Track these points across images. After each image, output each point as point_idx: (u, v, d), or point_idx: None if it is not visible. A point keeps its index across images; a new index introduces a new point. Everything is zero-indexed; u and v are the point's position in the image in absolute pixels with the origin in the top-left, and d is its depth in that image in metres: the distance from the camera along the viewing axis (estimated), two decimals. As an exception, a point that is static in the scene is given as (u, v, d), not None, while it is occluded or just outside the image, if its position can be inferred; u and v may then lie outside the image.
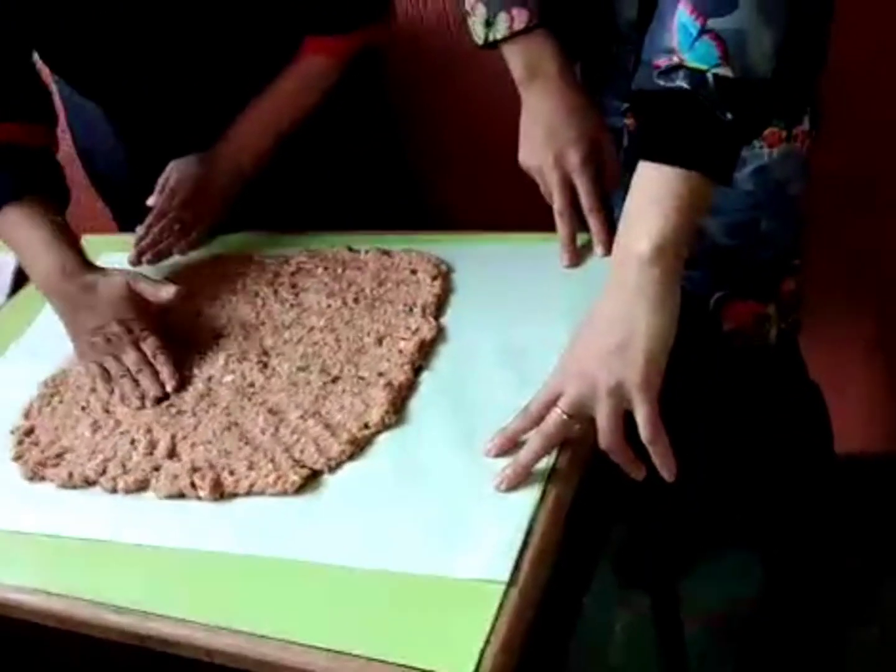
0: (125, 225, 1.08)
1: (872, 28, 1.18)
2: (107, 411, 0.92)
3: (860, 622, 1.34)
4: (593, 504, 0.80)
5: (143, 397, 0.91)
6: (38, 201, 1.03)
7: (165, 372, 0.92)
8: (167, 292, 0.96)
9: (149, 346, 0.94)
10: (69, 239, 1.03)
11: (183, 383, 0.92)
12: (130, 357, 0.94)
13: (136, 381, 0.93)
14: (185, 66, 1.09)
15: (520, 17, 0.93)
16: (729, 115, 0.71)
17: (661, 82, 0.72)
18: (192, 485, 0.80)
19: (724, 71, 0.70)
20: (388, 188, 1.28)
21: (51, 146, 1.11)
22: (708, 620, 1.36)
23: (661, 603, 1.12)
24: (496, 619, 0.62)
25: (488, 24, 0.95)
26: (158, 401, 0.91)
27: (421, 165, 1.39)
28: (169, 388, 0.91)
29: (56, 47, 1.08)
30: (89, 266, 1.01)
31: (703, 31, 0.70)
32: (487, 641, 0.61)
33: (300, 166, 1.17)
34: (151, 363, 0.93)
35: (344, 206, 1.20)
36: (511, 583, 0.64)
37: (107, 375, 0.95)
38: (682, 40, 0.71)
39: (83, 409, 0.93)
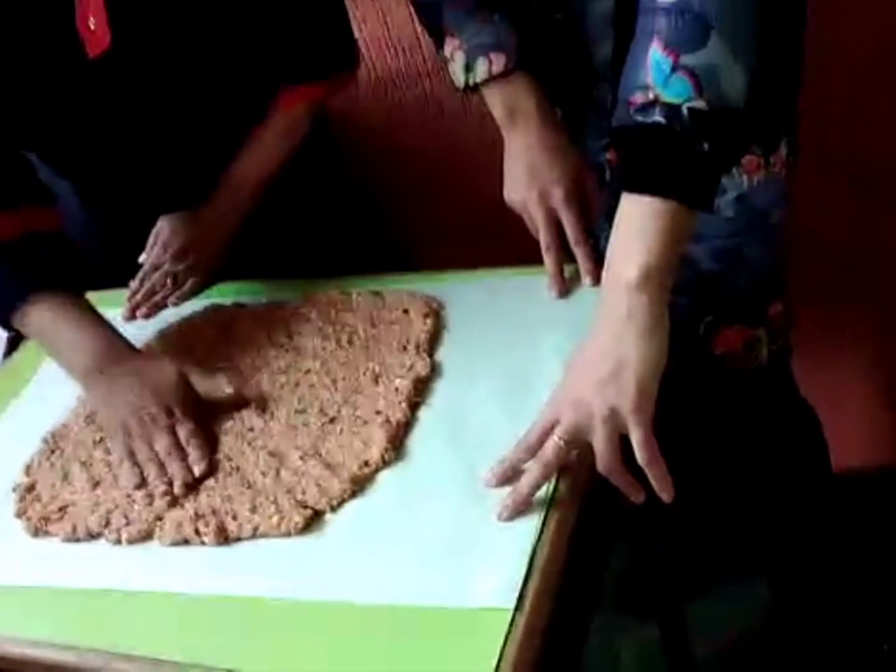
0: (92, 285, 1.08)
1: (872, 27, 1.19)
2: (107, 465, 0.92)
3: (867, 639, 1.34)
4: (595, 529, 0.81)
5: (170, 483, 0.86)
6: (64, 289, 0.99)
7: (195, 455, 0.88)
8: (225, 390, 0.93)
9: (183, 431, 0.90)
10: (104, 322, 0.99)
11: (211, 470, 0.87)
12: (163, 442, 0.89)
13: (163, 466, 0.88)
14: (159, 134, 1.09)
15: (498, 62, 0.96)
16: (705, 146, 0.73)
17: (639, 118, 0.74)
18: (197, 531, 0.80)
19: (699, 104, 0.72)
20: (358, 232, 1.30)
21: (61, 228, 1.06)
22: (716, 643, 1.35)
23: (670, 628, 1.12)
24: (504, 645, 0.63)
25: (468, 68, 0.98)
26: (187, 487, 0.86)
27: (394, 210, 1.42)
28: (197, 473, 0.86)
29: (31, 128, 1.06)
30: (132, 349, 0.99)
31: (675, 67, 0.72)
32: (498, 667, 0.61)
33: (278, 214, 1.19)
34: (182, 448, 0.89)
35: (310, 252, 1.20)
36: (517, 609, 0.65)
37: (133, 458, 0.90)
38: (657, 77, 0.73)
39: (83, 463, 0.94)
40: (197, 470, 0.86)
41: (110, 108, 1.04)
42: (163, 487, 0.86)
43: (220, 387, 0.94)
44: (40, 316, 0.98)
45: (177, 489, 0.85)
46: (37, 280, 0.99)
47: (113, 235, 1.21)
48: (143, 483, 0.88)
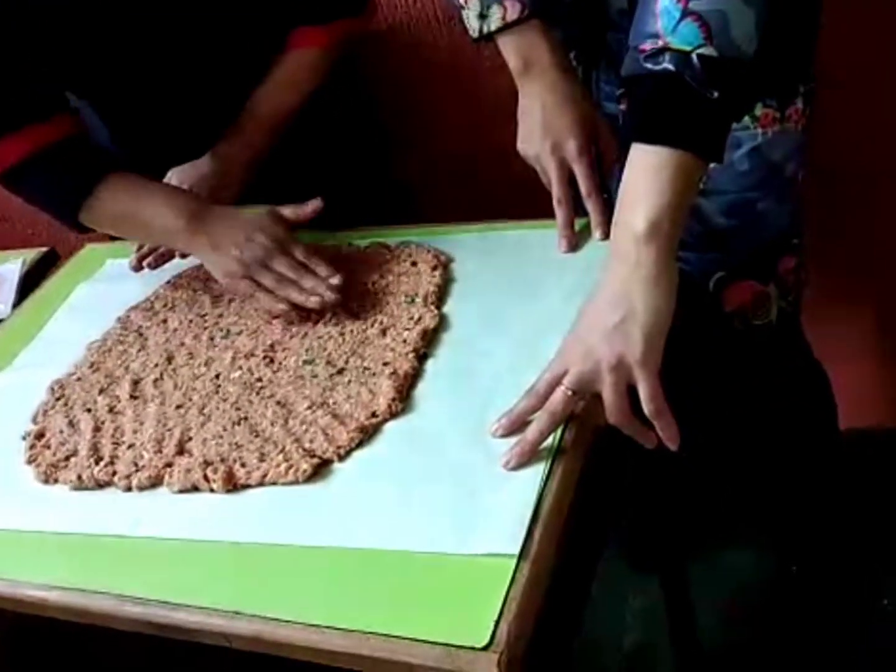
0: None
1: (872, 26, 1.19)
2: (112, 411, 0.93)
3: (868, 595, 1.35)
4: (600, 479, 0.81)
5: (312, 295, 0.93)
6: (118, 175, 1.01)
7: (324, 271, 0.93)
8: (308, 209, 0.99)
9: (299, 252, 0.95)
10: (177, 186, 1.05)
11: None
12: (283, 264, 0.94)
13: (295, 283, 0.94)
14: (177, 67, 1.10)
15: (513, 9, 0.95)
16: (715, 94, 0.72)
17: (649, 66, 0.73)
18: (206, 478, 0.81)
19: (708, 51, 0.71)
20: (374, 187, 1.29)
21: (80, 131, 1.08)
22: (721, 607, 1.36)
23: (672, 585, 1.13)
24: (509, 590, 0.63)
25: (482, 16, 0.96)
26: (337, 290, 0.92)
27: (407, 165, 1.41)
28: (335, 281, 0.93)
29: (54, 49, 1.07)
30: (215, 204, 1.03)
31: (685, 13, 0.71)
32: (501, 612, 0.62)
33: (288, 167, 1.18)
34: (306, 265, 0.94)
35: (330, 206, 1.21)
36: (522, 556, 0.65)
37: (264, 288, 0.95)
38: (666, 24, 0.72)
39: (88, 410, 0.94)
40: (335, 279, 0.93)
41: (125, 25, 1.05)
42: (312, 301, 0.93)
43: (303, 208, 0.99)
44: (114, 198, 1.01)
45: (327, 295, 0.92)
46: (95, 170, 1.01)
47: (135, 167, 1.20)
48: (289, 306, 0.94)
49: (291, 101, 1.13)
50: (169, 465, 0.84)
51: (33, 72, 1.03)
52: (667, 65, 0.72)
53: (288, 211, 0.99)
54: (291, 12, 1.10)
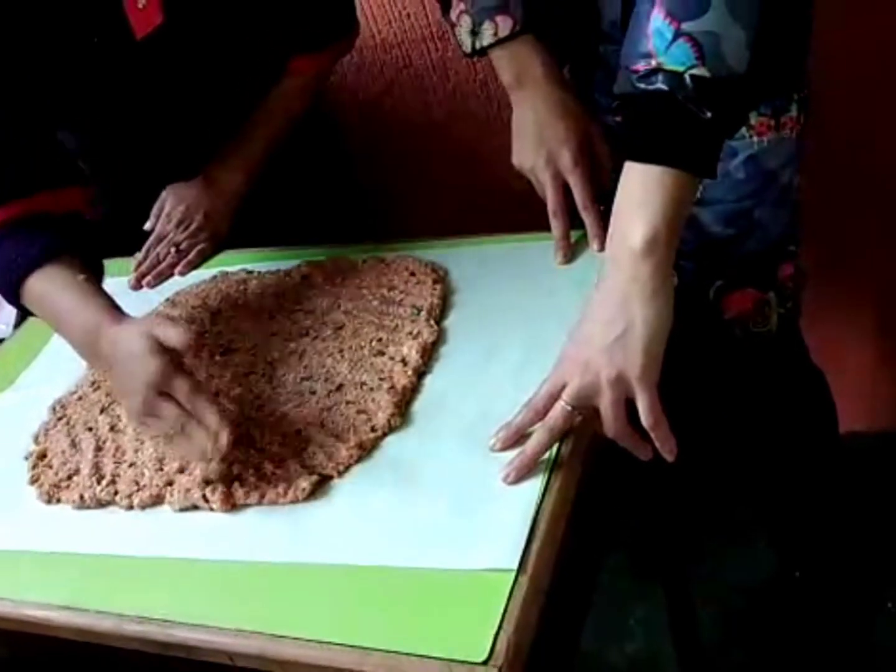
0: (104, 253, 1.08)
1: (873, 24, 1.19)
2: (113, 430, 0.94)
3: (871, 598, 1.35)
4: (599, 491, 0.81)
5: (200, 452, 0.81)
6: (62, 265, 0.95)
7: (213, 423, 0.80)
8: (183, 335, 0.84)
9: (181, 395, 0.81)
10: (98, 295, 0.94)
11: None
12: (168, 412, 0.82)
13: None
14: (172, 95, 1.10)
15: (504, 25, 0.95)
16: (708, 113, 0.73)
17: (642, 86, 0.74)
18: (205, 498, 0.81)
19: (701, 71, 0.72)
20: (365, 202, 1.30)
21: (79, 209, 1.03)
22: (722, 607, 1.36)
23: (674, 592, 1.13)
24: (507, 604, 0.63)
25: (474, 32, 0.97)
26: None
27: (401, 179, 1.42)
28: (223, 442, 0.79)
29: (66, 107, 1.05)
30: (117, 319, 0.91)
31: (677, 34, 0.72)
32: (500, 626, 0.62)
33: (279, 184, 1.19)
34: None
35: (311, 220, 1.21)
36: (520, 570, 0.65)
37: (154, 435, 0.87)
38: (659, 44, 0.73)
39: (90, 429, 0.95)
40: (223, 439, 0.79)
41: (146, 86, 1.06)
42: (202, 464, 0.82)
43: (180, 332, 0.83)
44: (37, 297, 0.96)
45: (221, 441, 0.79)
46: (29, 260, 0.95)
47: (116, 199, 1.23)
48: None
49: (284, 126, 1.15)
50: (170, 483, 0.84)
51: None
52: (660, 85, 0.73)
53: (165, 337, 0.84)
54: (288, 42, 1.11)
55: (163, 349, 0.84)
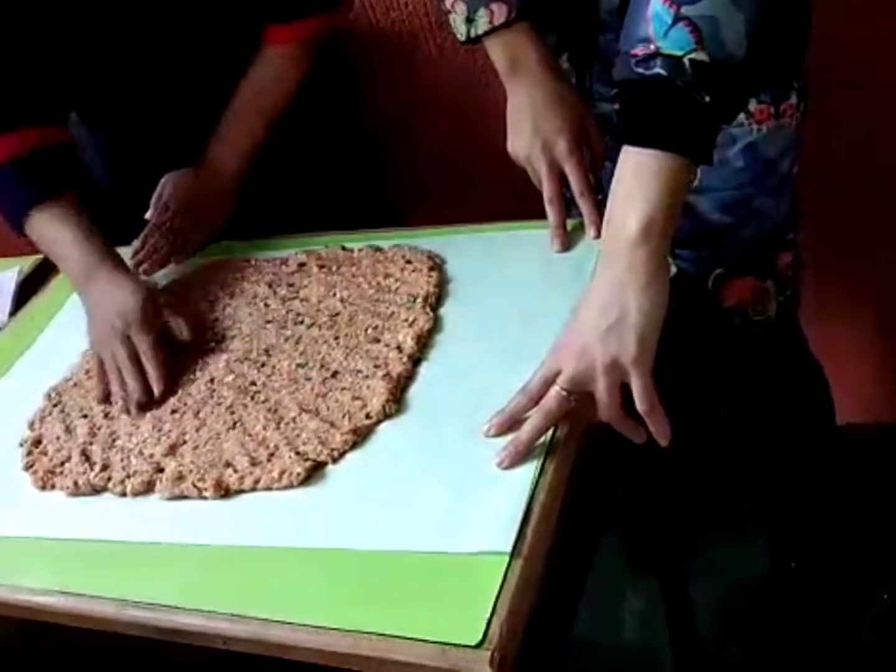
0: (115, 239, 1.09)
1: (874, 16, 1.19)
2: (108, 417, 0.94)
3: (867, 589, 1.35)
4: (593, 476, 0.81)
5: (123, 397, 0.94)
6: (62, 202, 1.06)
7: (152, 373, 0.94)
8: (183, 334, 0.99)
9: (142, 345, 0.96)
10: (95, 236, 1.06)
11: (172, 388, 0.94)
12: (121, 353, 0.96)
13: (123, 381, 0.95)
14: (151, 69, 1.11)
15: (499, 12, 0.95)
16: (707, 98, 0.72)
17: (640, 70, 0.74)
18: (195, 486, 0.81)
19: (700, 56, 0.72)
20: (363, 189, 1.30)
21: (71, 141, 1.13)
22: (719, 601, 1.36)
23: (670, 584, 1.13)
24: (501, 588, 0.63)
25: (469, 20, 0.96)
26: (141, 406, 0.92)
27: (398, 166, 1.41)
28: (156, 391, 0.93)
29: (43, 56, 1.09)
30: (117, 265, 1.04)
31: (677, 18, 0.72)
32: (494, 610, 0.62)
33: (278, 170, 1.19)
34: (140, 361, 0.95)
35: (313, 207, 1.21)
36: (514, 553, 0.65)
37: (101, 368, 0.97)
38: (658, 29, 0.73)
39: (85, 416, 0.95)
40: (156, 388, 0.93)
41: (106, 32, 1.07)
42: (121, 403, 0.93)
43: (180, 328, 0.99)
44: (40, 229, 1.06)
45: (130, 405, 0.93)
46: (39, 192, 1.05)
47: (122, 177, 1.25)
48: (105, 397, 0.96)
49: (274, 101, 1.14)
50: (160, 470, 0.84)
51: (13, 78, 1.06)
52: (658, 69, 0.73)
53: (167, 317, 1.00)
54: (263, 10, 1.10)
55: (152, 299, 0.99)
